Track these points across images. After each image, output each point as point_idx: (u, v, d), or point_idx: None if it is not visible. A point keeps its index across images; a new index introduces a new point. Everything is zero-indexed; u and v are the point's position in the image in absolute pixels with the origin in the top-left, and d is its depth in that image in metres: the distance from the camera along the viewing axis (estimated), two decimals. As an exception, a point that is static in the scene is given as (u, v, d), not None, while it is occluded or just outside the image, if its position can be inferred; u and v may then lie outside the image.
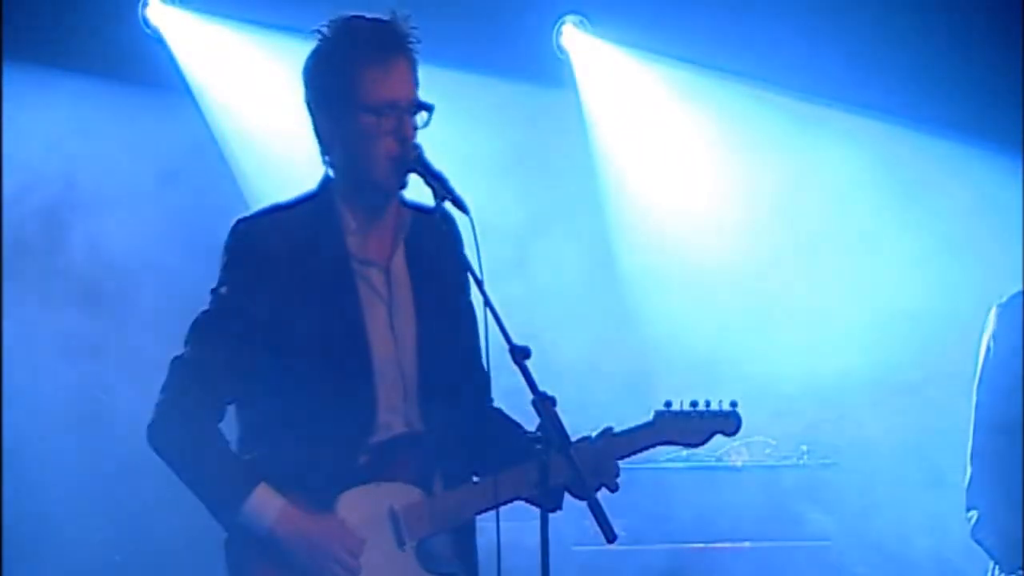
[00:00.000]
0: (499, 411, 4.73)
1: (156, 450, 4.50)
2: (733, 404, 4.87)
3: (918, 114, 8.19)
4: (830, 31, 8.13)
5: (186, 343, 4.53)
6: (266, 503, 4.44)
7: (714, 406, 4.85)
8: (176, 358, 4.51)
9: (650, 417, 4.81)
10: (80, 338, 7.93)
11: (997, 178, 8.14)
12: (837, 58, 8.15)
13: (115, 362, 7.91)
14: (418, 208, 4.60)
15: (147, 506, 7.74)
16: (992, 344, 6.22)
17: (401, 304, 4.60)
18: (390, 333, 4.56)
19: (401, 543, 4.52)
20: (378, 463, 4.52)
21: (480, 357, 4.59)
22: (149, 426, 4.50)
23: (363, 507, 4.50)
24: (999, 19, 7.99)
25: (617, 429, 4.75)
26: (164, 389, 4.50)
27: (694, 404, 4.84)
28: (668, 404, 4.82)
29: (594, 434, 4.71)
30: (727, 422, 4.86)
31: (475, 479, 4.62)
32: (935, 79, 8.10)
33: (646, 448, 4.79)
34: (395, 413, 4.54)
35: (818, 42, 8.14)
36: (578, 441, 4.60)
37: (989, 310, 6.22)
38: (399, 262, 4.61)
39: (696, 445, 4.87)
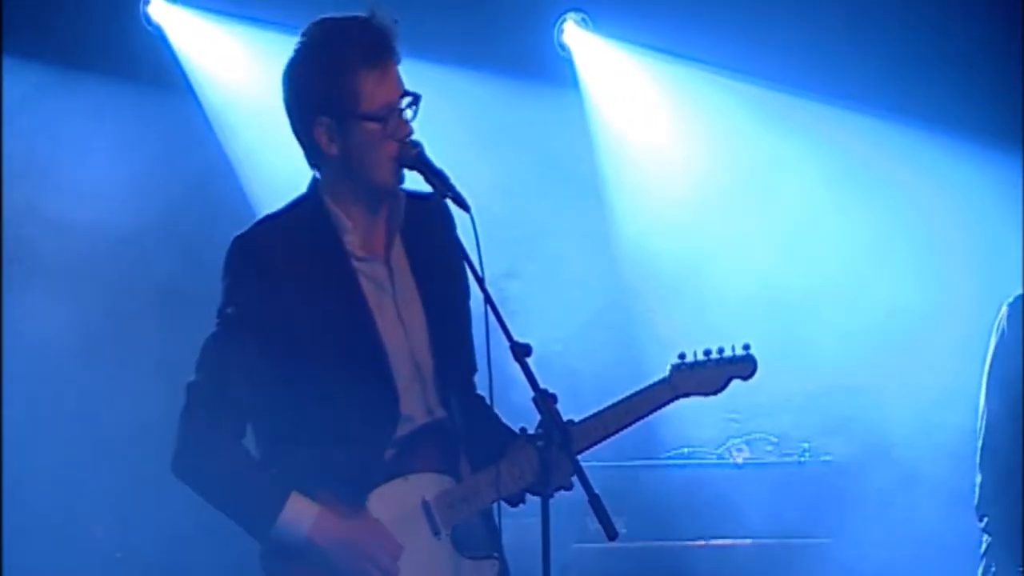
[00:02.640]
0: (482, 399, 4.67)
1: (183, 480, 4.46)
2: (746, 347, 4.81)
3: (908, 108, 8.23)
4: (830, 29, 8.14)
5: (198, 368, 4.48)
6: (301, 513, 4.40)
7: (727, 352, 4.80)
8: (191, 384, 4.47)
9: (666, 372, 4.77)
10: (82, 337, 7.93)
11: (966, 169, 8.16)
12: (837, 57, 8.16)
13: (118, 362, 7.91)
14: (412, 195, 4.58)
15: (147, 503, 7.74)
16: (1002, 340, 6.25)
17: (406, 294, 4.57)
18: (400, 325, 4.54)
19: (436, 533, 4.51)
20: (404, 456, 4.50)
21: (471, 342, 4.61)
22: (173, 458, 4.46)
23: (395, 503, 4.48)
24: (973, 11, 8.02)
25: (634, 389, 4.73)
26: (182, 418, 4.46)
27: (707, 352, 4.79)
28: (682, 356, 4.78)
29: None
30: (743, 366, 4.81)
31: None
32: (921, 74, 8.14)
33: (666, 403, 4.73)
34: (416, 404, 4.52)
35: (819, 40, 8.14)
36: (598, 412, 4.63)
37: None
38: (398, 253, 4.59)
39: (714, 393, 4.81)
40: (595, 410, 4.65)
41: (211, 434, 4.44)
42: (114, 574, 7.91)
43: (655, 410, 4.73)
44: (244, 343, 4.45)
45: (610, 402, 4.69)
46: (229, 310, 4.48)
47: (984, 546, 6.35)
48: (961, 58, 8.06)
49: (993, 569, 6.30)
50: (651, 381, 4.76)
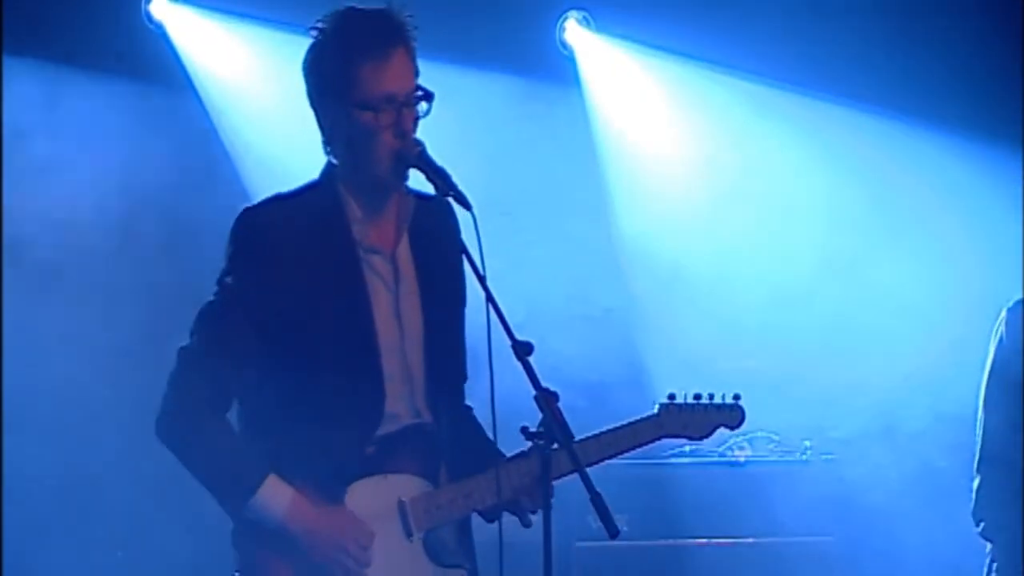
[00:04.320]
0: (470, 409, 4.73)
1: (164, 443, 4.48)
2: (736, 397, 4.91)
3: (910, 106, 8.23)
4: (832, 28, 8.14)
5: (192, 334, 4.51)
6: (276, 495, 4.43)
7: (717, 399, 4.89)
8: (182, 348, 4.50)
9: (654, 410, 4.83)
10: (83, 334, 7.92)
11: (967, 167, 8.16)
12: (839, 55, 8.16)
13: (119, 358, 7.90)
14: (420, 196, 4.59)
15: (149, 502, 7.74)
16: (1000, 346, 6.25)
17: (407, 292, 4.59)
18: (396, 322, 4.55)
19: (408, 534, 4.52)
20: (385, 454, 4.51)
21: (464, 350, 4.62)
22: (157, 419, 4.48)
23: (371, 499, 4.49)
24: (974, 9, 8.03)
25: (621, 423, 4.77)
26: (171, 381, 4.49)
27: (697, 397, 4.87)
28: (672, 397, 4.85)
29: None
30: (731, 415, 4.91)
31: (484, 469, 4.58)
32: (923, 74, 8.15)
33: (650, 442, 4.81)
34: (403, 403, 4.53)
35: (821, 39, 8.14)
36: (583, 439, 4.62)
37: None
38: (404, 250, 4.60)
39: (699, 438, 4.91)
40: (579, 438, 4.64)
41: (197, 403, 4.45)
42: (115, 574, 7.90)
43: (639, 446, 4.80)
44: (238, 316, 4.47)
45: (594, 432, 4.71)
46: (228, 280, 4.51)
47: (989, 547, 6.36)
48: (962, 56, 8.06)
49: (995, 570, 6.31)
50: (638, 417, 4.82)
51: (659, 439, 4.83)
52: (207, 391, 4.46)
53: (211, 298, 4.53)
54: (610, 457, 4.72)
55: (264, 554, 4.47)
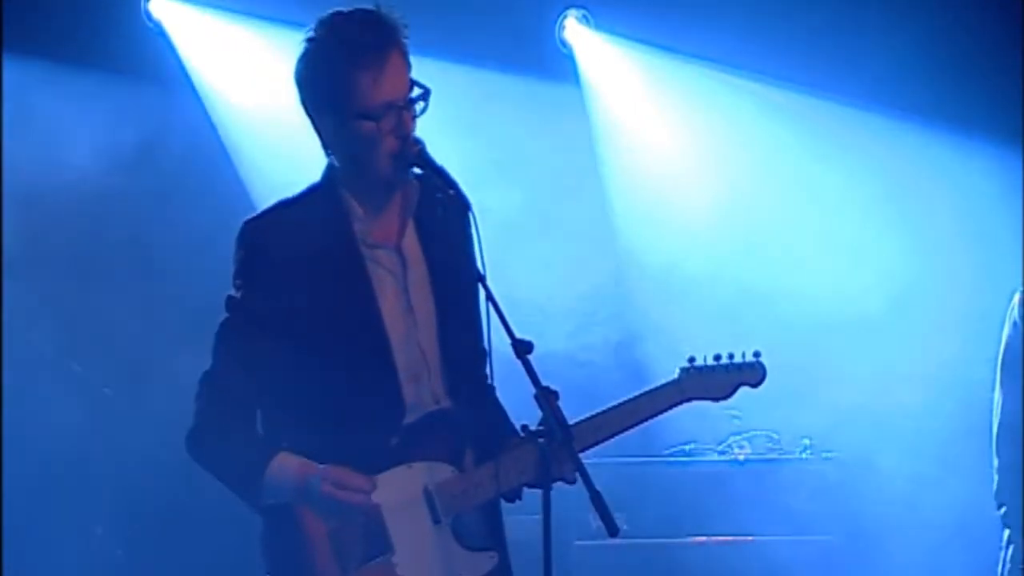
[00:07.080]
0: (493, 390, 4.69)
1: (194, 459, 4.53)
2: (756, 354, 4.86)
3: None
4: (832, 26, 8.14)
5: (211, 354, 4.53)
6: (285, 464, 4.43)
7: (737, 358, 4.85)
8: (204, 373, 4.52)
9: (675, 375, 4.80)
10: (83, 333, 7.92)
11: (967, 164, 8.17)
12: (839, 53, 8.16)
13: (118, 357, 7.90)
14: (426, 181, 4.55)
15: (147, 500, 7.73)
16: (1016, 329, 6.33)
17: (417, 282, 4.59)
18: (408, 312, 4.56)
19: (437, 520, 4.53)
20: (409, 443, 4.52)
21: (480, 331, 4.58)
22: (187, 436, 4.52)
23: (397, 488, 4.50)
24: (975, 7, 8.04)
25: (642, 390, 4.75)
26: (196, 402, 4.52)
27: (717, 358, 4.83)
28: (692, 360, 4.81)
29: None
30: (752, 373, 4.86)
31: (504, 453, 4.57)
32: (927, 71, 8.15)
33: (673, 406, 4.77)
34: (421, 392, 4.54)
35: (821, 37, 8.14)
36: (604, 410, 4.65)
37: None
38: (410, 240, 4.61)
39: (722, 399, 4.86)
40: (600, 409, 4.66)
41: (220, 419, 4.48)
42: (114, 573, 7.90)
43: (661, 412, 4.76)
44: (249, 331, 4.49)
45: (616, 401, 4.70)
46: (236, 295, 4.53)
47: (1005, 536, 6.40)
48: (962, 54, 8.06)
49: (1009, 561, 6.33)
50: (659, 383, 4.79)
51: (681, 403, 4.78)
52: (230, 408, 4.50)
53: (223, 317, 4.54)
54: (633, 426, 4.70)
55: (291, 552, 4.47)
